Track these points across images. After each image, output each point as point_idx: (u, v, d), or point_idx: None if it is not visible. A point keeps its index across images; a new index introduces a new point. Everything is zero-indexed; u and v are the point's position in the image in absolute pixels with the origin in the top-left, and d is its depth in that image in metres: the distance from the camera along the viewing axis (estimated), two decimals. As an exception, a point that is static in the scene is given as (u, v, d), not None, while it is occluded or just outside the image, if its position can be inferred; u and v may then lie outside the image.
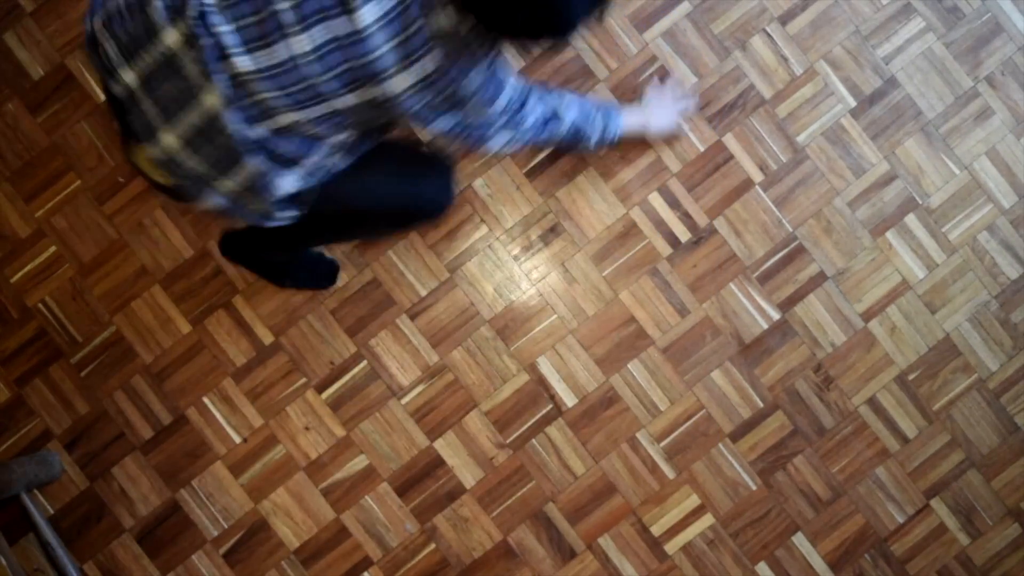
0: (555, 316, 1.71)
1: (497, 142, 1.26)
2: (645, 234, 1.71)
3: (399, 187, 1.29)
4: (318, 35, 0.99)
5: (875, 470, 1.70)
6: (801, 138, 1.72)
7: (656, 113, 1.63)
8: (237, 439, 1.72)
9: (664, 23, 1.72)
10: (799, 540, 1.70)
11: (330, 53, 1.00)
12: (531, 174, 1.72)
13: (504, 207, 1.72)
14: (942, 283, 1.71)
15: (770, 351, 1.71)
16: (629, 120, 1.57)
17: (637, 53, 1.72)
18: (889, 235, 1.71)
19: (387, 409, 1.72)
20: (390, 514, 1.71)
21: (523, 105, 1.25)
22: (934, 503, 1.70)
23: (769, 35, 1.72)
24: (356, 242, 1.70)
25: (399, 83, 1.03)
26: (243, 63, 1.01)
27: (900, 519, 1.70)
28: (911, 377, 1.71)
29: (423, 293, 1.72)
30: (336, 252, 1.72)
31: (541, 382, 1.71)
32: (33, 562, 1.73)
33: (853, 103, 1.72)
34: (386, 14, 0.98)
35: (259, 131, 1.06)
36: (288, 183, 1.13)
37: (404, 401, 1.72)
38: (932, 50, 1.72)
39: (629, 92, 1.72)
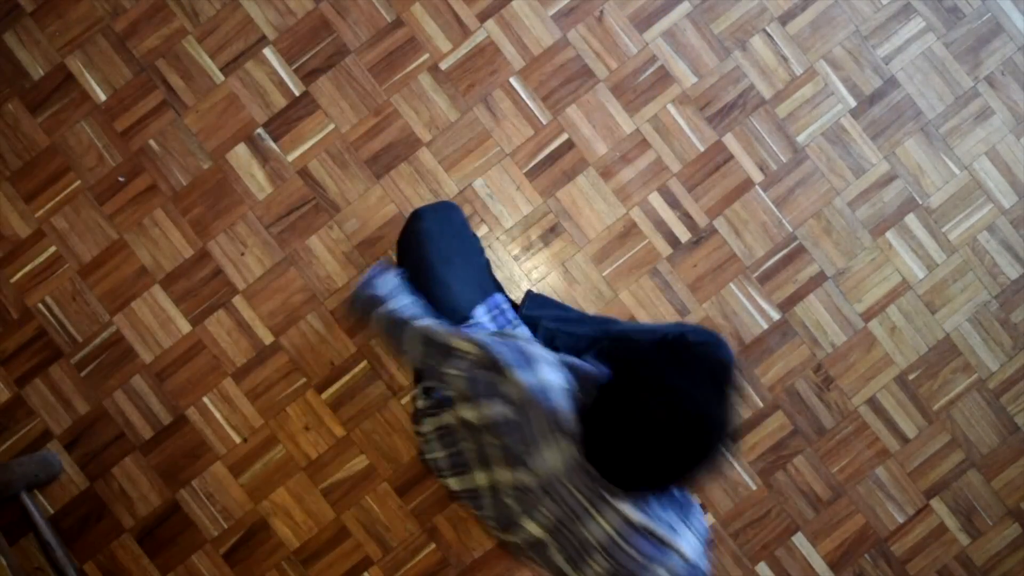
0: (555, 316, 1.71)
1: None
2: (645, 234, 1.71)
3: None
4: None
5: (875, 470, 1.70)
6: (801, 138, 1.72)
7: None
8: (237, 439, 1.72)
9: (664, 23, 1.72)
10: (799, 540, 1.70)
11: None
12: (531, 174, 1.72)
13: (504, 207, 1.72)
14: (942, 283, 1.71)
15: (770, 351, 1.71)
16: None
17: (637, 53, 1.72)
18: (889, 235, 1.71)
19: (387, 409, 1.72)
20: (390, 514, 1.71)
21: None
22: (934, 503, 1.70)
23: (769, 35, 1.72)
24: None
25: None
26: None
27: (900, 519, 1.70)
28: (911, 377, 1.71)
29: (423, 293, 1.72)
30: (337, 253, 1.72)
31: (541, 382, 1.71)
32: (33, 562, 1.73)
33: (853, 103, 1.72)
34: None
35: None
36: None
37: (404, 401, 1.72)
38: (932, 50, 1.72)
39: (630, 92, 1.72)
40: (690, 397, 0.85)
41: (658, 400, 0.85)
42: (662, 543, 0.98)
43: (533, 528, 1.10)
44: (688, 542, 1.01)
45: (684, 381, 0.86)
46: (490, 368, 1.03)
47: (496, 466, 1.10)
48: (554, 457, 1.00)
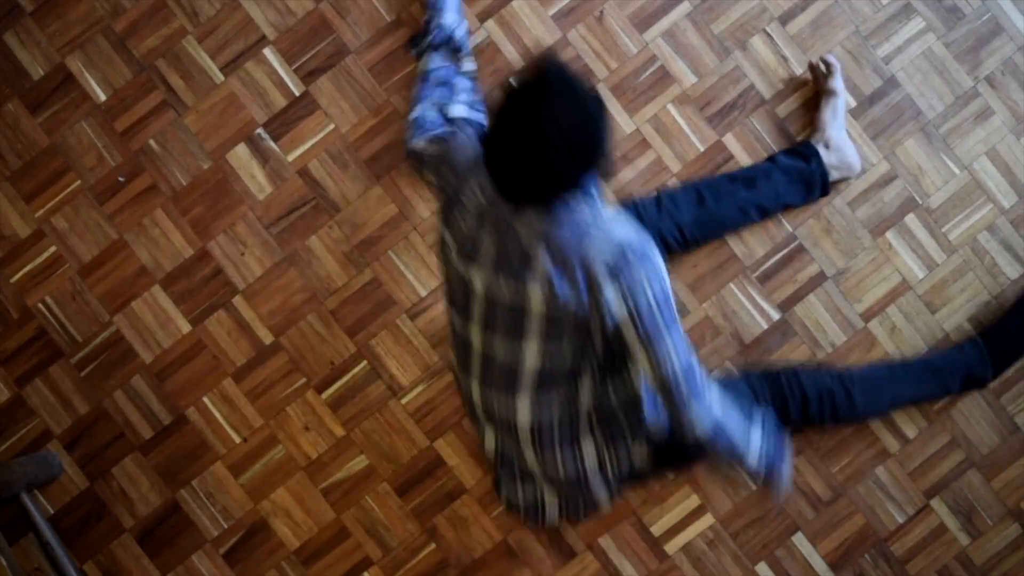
0: (555, 316, 1.71)
1: (700, 403, 1.22)
2: (645, 234, 1.71)
3: None
4: None
5: (875, 470, 1.70)
6: (801, 138, 1.72)
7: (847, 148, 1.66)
8: (237, 439, 1.72)
9: (664, 23, 1.72)
10: (799, 540, 1.70)
11: None
12: (531, 174, 1.72)
13: (504, 207, 1.72)
14: (942, 283, 1.71)
15: (770, 351, 1.71)
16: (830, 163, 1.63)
17: (637, 53, 1.72)
18: (889, 235, 1.71)
19: (387, 409, 1.72)
20: (390, 514, 1.71)
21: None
22: (934, 503, 1.70)
23: (769, 35, 1.72)
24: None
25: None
26: None
27: (900, 519, 1.70)
28: (911, 377, 1.71)
29: (423, 293, 1.72)
30: (337, 253, 1.72)
31: (541, 382, 1.71)
32: (33, 562, 1.73)
33: (853, 103, 1.72)
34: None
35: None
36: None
37: (404, 401, 1.72)
38: (932, 50, 1.72)
39: (630, 92, 1.72)
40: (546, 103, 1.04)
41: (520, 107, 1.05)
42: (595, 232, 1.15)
43: (474, 335, 1.28)
44: (621, 225, 1.18)
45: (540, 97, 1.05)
46: None
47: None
48: (473, 191, 1.23)
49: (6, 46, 1.74)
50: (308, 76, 1.73)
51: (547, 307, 1.17)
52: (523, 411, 1.30)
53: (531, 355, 1.23)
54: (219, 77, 1.74)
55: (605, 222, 1.17)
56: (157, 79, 1.74)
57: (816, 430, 1.67)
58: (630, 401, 1.36)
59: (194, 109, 1.74)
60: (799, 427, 1.56)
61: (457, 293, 1.30)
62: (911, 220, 1.71)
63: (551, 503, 1.49)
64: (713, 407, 1.23)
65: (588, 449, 1.37)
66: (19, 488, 1.58)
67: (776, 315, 1.71)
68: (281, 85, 1.73)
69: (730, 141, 1.72)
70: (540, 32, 1.72)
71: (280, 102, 1.73)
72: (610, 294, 1.15)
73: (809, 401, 1.53)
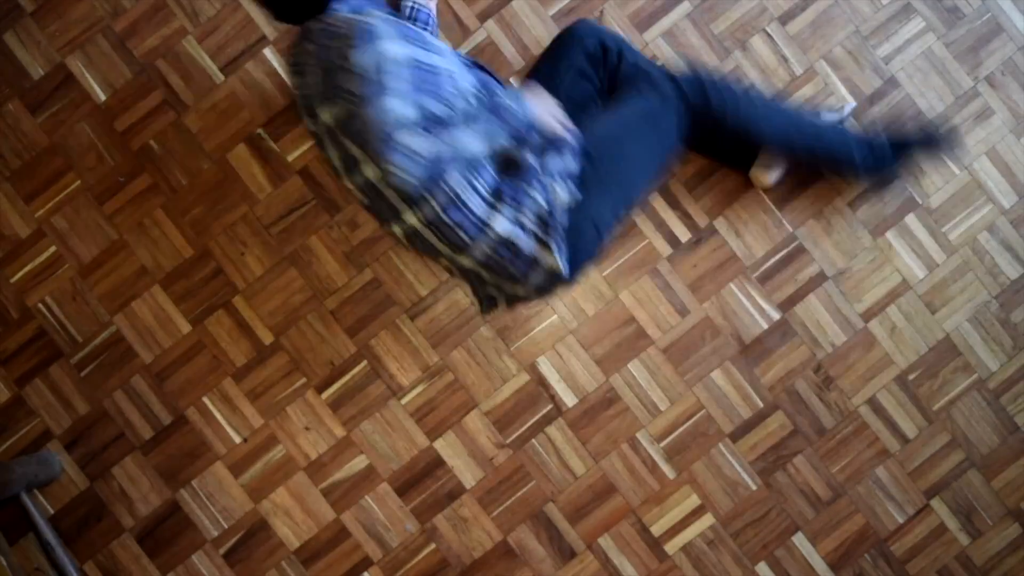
0: (555, 316, 1.71)
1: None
2: (645, 234, 1.71)
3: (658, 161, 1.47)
4: None
5: (875, 470, 1.70)
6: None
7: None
8: (237, 439, 1.72)
9: (664, 23, 1.72)
10: (799, 540, 1.70)
11: None
12: (531, 174, 1.72)
13: (504, 207, 1.72)
14: (942, 283, 1.71)
15: (770, 351, 1.71)
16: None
17: (637, 53, 1.72)
18: (889, 235, 1.71)
19: (387, 409, 1.72)
20: (390, 514, 1.71)
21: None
22: (934, 503, 1.70)
23: (769, 35, 1.72)
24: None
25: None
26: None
27: (900, 519, 1.70)
28: (911, 377, 1.71)
29: (423, 293, 1.72)
30: (337, 253, 1.72)
31: (541, 382, 1.71)
32: (33, 562, 1.73)
33: (853, 103, 1.72)
34: None
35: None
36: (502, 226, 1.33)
37: (404, 401, 1.72)
38: (932, 50, 1.72)
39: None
40: None
41: None
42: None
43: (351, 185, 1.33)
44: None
45: None
46: None
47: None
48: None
49: (6, 46, 1.74)
50: (308, 76, 1.73)
51: (337, 120, 1.22)
52: (410, 218, 1.31)
53: (371, 172, 1.26)
54: (219, 77, 1.74)
55: (346, 19, 1.23)
56: (157, 79, 1.74)
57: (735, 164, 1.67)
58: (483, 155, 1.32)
59: (194, 109, 1.74)
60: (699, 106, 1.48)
61: (337, 162, 1.32)
62: (911, 220, 1.71)
63: (525, 295, 1.43)
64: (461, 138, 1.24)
65: (475, 204, 1.31)
66: (19, 488, 1.58)
67: (776, 315, 1.71)
68: (281, 85, 1.73)
69: (730, 141, 1.72)
70: (540, 32, 1.72)
71: (280, 102, 1.73)
72: (351, 78, 1.19)
73: (713, 84, 1.49)
